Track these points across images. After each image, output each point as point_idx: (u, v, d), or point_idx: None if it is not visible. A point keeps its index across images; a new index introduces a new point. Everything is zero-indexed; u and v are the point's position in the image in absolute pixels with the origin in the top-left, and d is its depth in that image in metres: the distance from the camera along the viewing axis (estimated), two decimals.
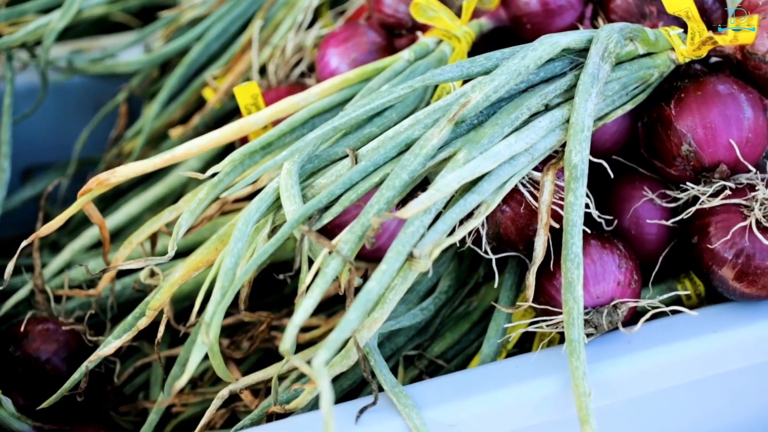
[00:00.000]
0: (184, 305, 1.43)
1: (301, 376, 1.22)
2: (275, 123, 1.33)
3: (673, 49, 1.25)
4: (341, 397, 1.25)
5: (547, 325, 1.18)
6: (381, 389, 1.13)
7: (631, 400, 1.21)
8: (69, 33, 1.85)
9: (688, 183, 1.23)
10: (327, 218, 1.11)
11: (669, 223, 1.25)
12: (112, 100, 1.72)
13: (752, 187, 1.21)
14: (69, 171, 1.71)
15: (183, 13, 1.68)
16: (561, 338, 1.22)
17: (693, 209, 1.21)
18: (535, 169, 1.17)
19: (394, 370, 1.29)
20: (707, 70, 1.29)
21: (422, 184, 1.15)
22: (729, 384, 1.27)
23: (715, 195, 1.21)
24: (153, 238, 1.31)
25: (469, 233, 1.18)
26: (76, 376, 1.20)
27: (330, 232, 1.16)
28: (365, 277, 1.32)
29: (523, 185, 1.17)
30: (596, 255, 1.18)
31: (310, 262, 1.11)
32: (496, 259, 1.20)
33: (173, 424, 1.39)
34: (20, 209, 1.75)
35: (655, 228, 1.27)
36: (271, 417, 1.16)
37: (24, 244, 1.23)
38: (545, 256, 1.17)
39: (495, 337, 1.25)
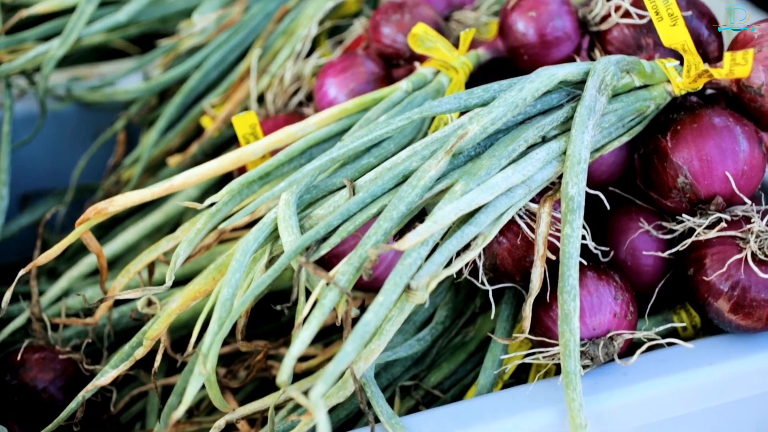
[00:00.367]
0: (180, 334, 1.44)
1: (298, 406, 1.22)
2: (273, 153, 1.33)
3: (669, 81, 1.26)
4: (338, 428, 1.25)
5: (544, 357, 1.18)
6: (377, 420, 1.13)
7: None
8: (67, 59, 1.86)
9: (684, 215, 1.24)
10: (324, 249, 1.11)
11: (665, 254, 1.25)
12: (110, 128, 1.73)
13: (748, 220, 1.21)
14: (67, 198, 1.71)
15: (182, 42, 1.69)
16: (557, 369, 1.22)
17: (689, 241, 1.22)
18: (532, 200, 1.18)
19: (390, 401, 1.29)
20: (703, 102, 1.30)
21: (419, 215, 1.15)
22: (725, 416, 1.27)
23: (711, 227, 1.21)
24: (150, 267, 1.31)
25: (466, 264, 1.19)
26: (72, 405, 1.20)
27: (327, 261, 1.16)
28: (362, 308, 1.32)
29: (520, 217, 1.17)
30: (593, 287, 1.19)
31: (308, 292, 1.12)
32: (493, 290, 1.21)
33: None
34: (17, 235, 1.75)
35: (651, 259, 1.27)
36: None
37: (22, 272, 1.23)
38: (542, 288, 1.17)
39: (491, 368, 1.25)
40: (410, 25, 1.43)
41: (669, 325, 1.21)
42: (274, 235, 1.16)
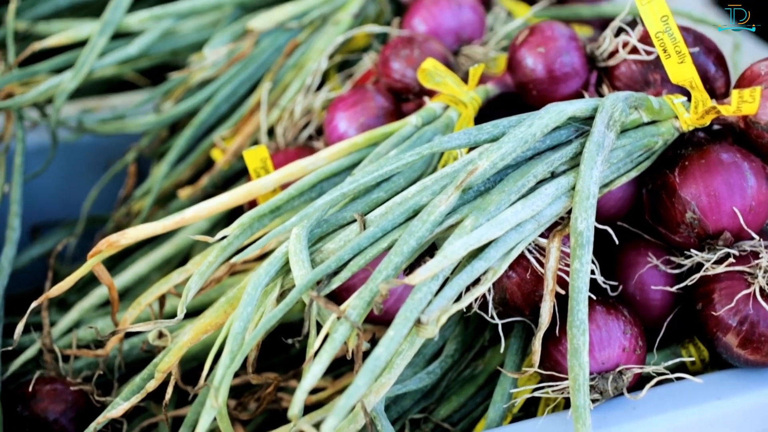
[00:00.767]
0: (191, 365, 1.44)
1: None
2: (284, 186, 1.34)
3: (677, 117, 1.27)
4: None
5: (553, 391, 1.19)
6: None
7: None
8: (78, 91, 1.86)
9: (692, 250, 1.25)
10: (335, 283, 1.12)
11: (673, 289, 1.26)
12: (121, 160, 1.74)
13: (756, 255, 1.22)
14: (77, 229, 1.72)
15: (192, 75, 1.70)
16: (566, 403, 1.23)
17: (697, 276, 1.23)
18: (541, 235, 1.19)
19: None
20: (711, 138, 1.31)
21: (429, 249, 1.16)
22: None
23: (719, 262, 1.22)
24: (161, 299, 1.32)
25: (476, 298, 1.19)
26: None
27: (338, 295, 1.17)
28: (372, 341, 1.33)
29: (530, 251, 1.18)
30: (602, 321, 1.19)
31: (318, 325, 1.13)
32: (502, 323, 1.21)
33: None
34: (28, 266, 1.76)
35: (659, 294, 1.28)
36: None
37: (34, 305, 1.25)
38: (551, 322, 1.18)
39: (501, 402, 1.26)
40: (419, 60, 1.44)
41: (678, 360, 1.22)
42: (285, 269, 1.17)
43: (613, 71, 1.39)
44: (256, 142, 1.61)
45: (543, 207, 1.16)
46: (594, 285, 1.20)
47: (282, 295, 1.17)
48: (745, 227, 1.22)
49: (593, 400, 1.18)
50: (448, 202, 1.12)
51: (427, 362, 1.33)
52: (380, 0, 1.69)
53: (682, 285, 1.25)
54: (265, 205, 1.25)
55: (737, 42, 1.71)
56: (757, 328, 1.19)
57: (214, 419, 1.12)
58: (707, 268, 1.22)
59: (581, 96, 1.40)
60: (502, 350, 1.26)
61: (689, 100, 1.28)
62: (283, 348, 1.51)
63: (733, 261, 1.21)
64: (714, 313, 1.21)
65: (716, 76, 1.35)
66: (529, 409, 1.30)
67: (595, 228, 1.16)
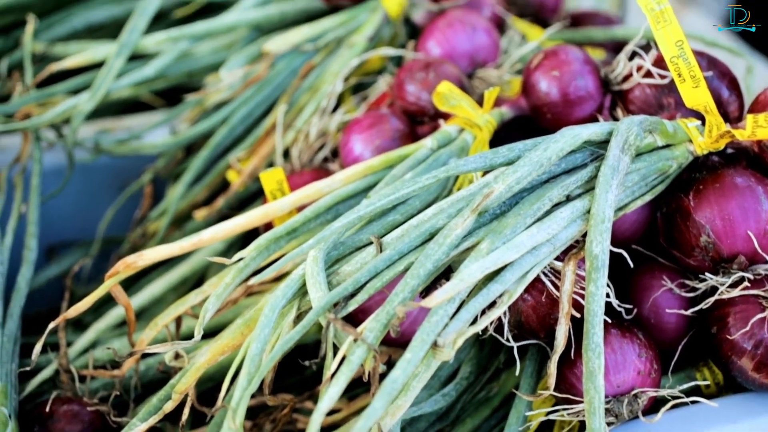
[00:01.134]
0: (206, 386, 1.45)
1: None
2: (300, 208, 1.35)
3: (691, 141, 1.28)
4: None
5: (568, 414, 1.19)
6: None
7: None
8: (94, 111, 1.88)
9: (706, 273, 1.25)
10: (352, 306, 1.13)
11: (688, 312, 1.27)
12: (137, 181, 1.75)
13: None
14: (93, 250, 1.73)
15: (208, 97, 1.72)
16: (582, 426, 1.23)
17: (712, 300, 1.23)
18: (557, 258, 1.19)
19: None
20: (725, 161, 1.31)
21: (444, 271, 1.17)
22: None
23: (733, 286, 1.23)
24: (177, 320, 1.33)
25: (491, 321, 1.20)
26: None
27: (353, 316, 1.18)
28: (388, 363, 1.33)
29: (545, 274, 1.19)
30: (617, 344, 1.20)
31: (334, 347, 1.13)
32: (517, 346, 1.22)
33: None
34: (44, 285, 1.77)
35: (674, 317, 1.28)
36: None
37: (52, 326, 1.25)
38: (566, 344, 1.18)
39: (516, 425, 1.26)
40: (434, 83, 1.45)
41: (692, 383, 1.22)
42: (301, 291, 1.18)
43: (628, 95, 1.39)
44: (271, 164, 1.63)
45: (558, 230, 1.16)
46: (608, 308, 1.21)
47: (299, 317, 1.18)
48: (760, 251, 1.22)
49: (608, 423, 1.19)
50: (464, 225, 1.13)
51: (443, 384, 1.34)
52: (394, 23, 1.70)
53: (696, 308, 1.25)
54: (282, 227, 1.26)
55: (750, 65, 1.71)
56: None
57: None
58: (722, 292, 1.22)
59: (595, 119, 1.41)
60: (517, 373, 1.26)
61: (703, 123, 1.29)
62: (297, 369, 1.52)
63: (748, 285, 1.22)
64: (729, 336, 1.21)
65: (730, 100, 1.35)
66: None
67: (610, 251, 1.16)
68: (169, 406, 1.20)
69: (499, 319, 1.21)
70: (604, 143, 1.23)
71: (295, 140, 1.61)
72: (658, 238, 1.31)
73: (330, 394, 1.02)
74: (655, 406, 1.21)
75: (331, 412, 1.41)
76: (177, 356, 1.29)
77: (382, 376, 1.05)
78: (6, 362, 1.38)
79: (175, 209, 1.65)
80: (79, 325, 1.68)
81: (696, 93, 1.25)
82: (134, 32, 1.72)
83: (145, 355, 1.45)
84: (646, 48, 1.45)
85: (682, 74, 1.25)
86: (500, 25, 1.74)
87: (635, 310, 1.28)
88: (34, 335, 1.59)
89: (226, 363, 1.40)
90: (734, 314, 1.22)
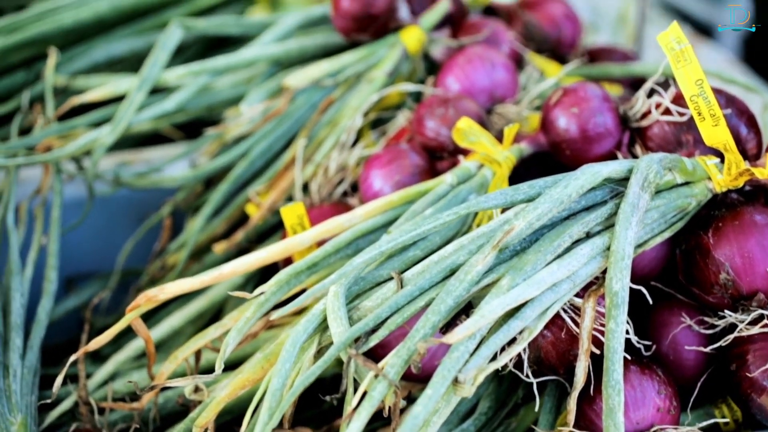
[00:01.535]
0: (225, 419, 1.45)
1: None
2: (320, 243, 1.36)
3: (710, 178, 1.28)
4: None
5: None
6: None
7: None
8: (114, 143, 1.90)
9: (726, 310, 1.25)
10: (373, 341, 1.13)
11: (707, 349, 1.27)
12: (156, 213, 1.76)
13: None
14: (112, 282, 1.74)
15: (228, 130, 1.73)
16: None
17: (731, 337, 1.23)
18: (576, 295, 1.20)
19: None
20: (743, 199, 1.32)
21: (464, 307, 1.18)
22: None
23: (753, 323, 1.23)
24: (197, 353, 1.34)
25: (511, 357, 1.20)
26: None
27: (373, 351, 1.18)
28: (407, 398, 1.34)
29: (565, 311, 1.19)
30: (636, 381, 1.20)
31: (354, 381, 1.14)
32: (536, 382, 1.22)
33: None
34: (61, 317, 1.78)
35: (693, 354, 1.28)
36: None
37: (73, 358, 1.26)
38: (585, 380, 1.19)
39: None
40: (454, 119, 1.46)
41: (711, 420, 1.22)
42: (322, 326, 1.18)
43: (646, 132, 1.40)
44: (290, 198, 1.64)
45: (578, 267, 1.17)
46: (627, 344, 1.21)
47: (319, 352, 1.19)
48: None
49: None
50: (485, 262, 1.14)
51: (461, 419, 1.34)
52: (413, 58, 1.72)
53: (715, 346, 1.25)
54: (303, 261, 1.27)
55: (766, 102, 1.72)
56: None
57: None
58: (741, 329, 1.23)
59: (614, 156, 1.42)
60: (536, 408, 1.26)
61: (722, 161, 1.29)
62: (315, 401, 1.52)
63: (767, 322, 1.22)
64: (748, 374, 1.21)
65: (748, 138, 1.36)
66: None
67: (629, 287, 1.17)
68: None
69: (519, 354, 1.21)
70: (623, 180, 1.24)
71: (314, 174, 1.62)
72: (676, 275, 1.31)
73: (351, 429, 1.02)
74: None
75: None
76: (196, 389, 1.30)
77: (402, 411, 1.05)
78: (26, 394, 1.38)
79: (194, 242, 1.66)
80: (96, 356, 1.68)
81: (716, 131, 1.26)
82: (155, 66, 1.74)
83: (164, 388, 1.46)
84: (664, 85, 1.46)
85: (702, 113, 1.26)
86: (518, 61, 1.75)
87: (654, 347, 1.28)
88: (52, 367, 1.60)
89: (245, 396, 1.40)
90: (754, 352, 1.22)
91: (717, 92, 1.35)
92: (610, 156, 1.42)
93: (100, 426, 1.39)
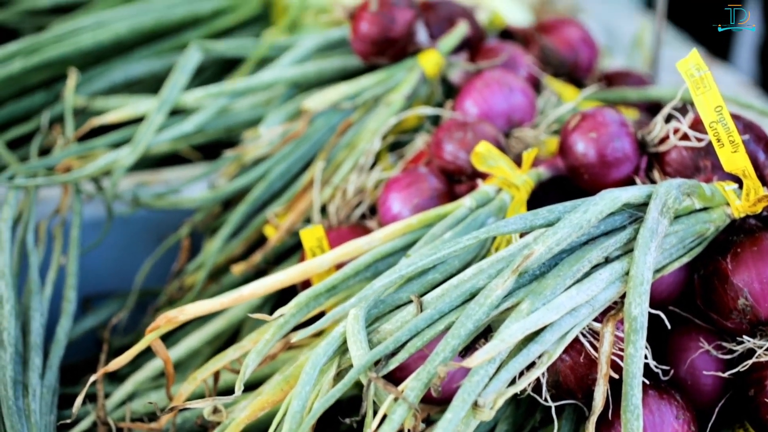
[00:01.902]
0: None
1: None
2: (338, 265, 1.37)
3: (728, 204, 1.29)
4: None
5: None
6: None
7: None
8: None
9: (744, 336, 1.26)
10: (393, 364, 1.14)
11: (725, 375, 1.27)
12: (174, 234, 1.77)
13: None
14: (129, 303, 1.75)
15: (246, 152, 1.74)
16: None
17: (749, 362, 1.24)
18: (595, 319, 1.20)
19: None
20: (762, 224, 1.32)
21: (483, 331, 1.18)
22: None
23: None
24: (215, 374, 1.34)
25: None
26: None
27: (391, 374, 1.19)
28: (426, 421, 1.34)
29: (583, 335, 1.20)
30: (654, 406, 1.20)
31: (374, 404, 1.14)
32: (555, 406, 1.22)
33: None
34: (79, 336, 1.79)
35: (711, 379, 1.28)
36: None
37: (93, 378, 1.27)
38: (604, 405, 1.19)
39: None
40: (472, 143, 1.47)
41: None
42: (342, 349, 1.19)
43: (664, 157, 1.41)
44: (308, 219, 1.64)
45: (597, 292, 1.17)
46: (645, 369, 1.21)
47: (339, 375, 1.19)
48: None
49: None
50: (504, 286, 1.14)
51: None
52: (431, 82, 1.73)
53: (734, 371, 1.26)
54: (322, 284, 1.28)
55: None
56: None
57: None
58: (759, 355, 1.23)
59: (632, 180, 1.42)
60: None
61: (740, 186, 1.30)
62: (332, 423, 1.52)
63: None
64: (767, 399, 1.22)
65: (766, 164, 1.36)
66: None
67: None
68: None
69: (537, 378, 1.22)
70: (642, 206, 1.24)
71: (332, 196, 1.63)
72: (694, 300, 1.32)
73: None
74: None
75: None
76: (215, 410, 1.31)
77: None
78: (45, 414, 1.39)
79: (212, 263, 1.66)
80: (114, 376, 1.69)
81: (735, 158, 1.27)
82: (174, 88, 1.75)
83: (182, 409, 1.46)
84: (681, 110, 1.46)
85: (721, 139, 1.27)
86: (536, 85, 1.76)
87: (672, 371, 1.28)
88: (69, 386, 1.61)
89: (264, 417, 1.41)
90: None
91: (735, 118, 1.35)
92: (628, 181, 1.43)
93: None
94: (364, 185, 1.59)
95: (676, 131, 1.40)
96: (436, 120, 1.70)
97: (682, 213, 1.27)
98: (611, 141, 1.41)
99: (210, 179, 1.83)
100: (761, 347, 1.23)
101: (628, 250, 1.22)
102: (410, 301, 1.22)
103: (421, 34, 1.74)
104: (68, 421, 1.32)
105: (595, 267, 1.20)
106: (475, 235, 1.20)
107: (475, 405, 1.07)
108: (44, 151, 1.83)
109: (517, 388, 1.10)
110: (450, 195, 1.48)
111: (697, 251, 1.28)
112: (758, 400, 1.23)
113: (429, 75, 1.72)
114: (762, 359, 1.23)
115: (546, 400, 1.21)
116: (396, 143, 1.72)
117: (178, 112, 1.80)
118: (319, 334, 1.38)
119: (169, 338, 1.68)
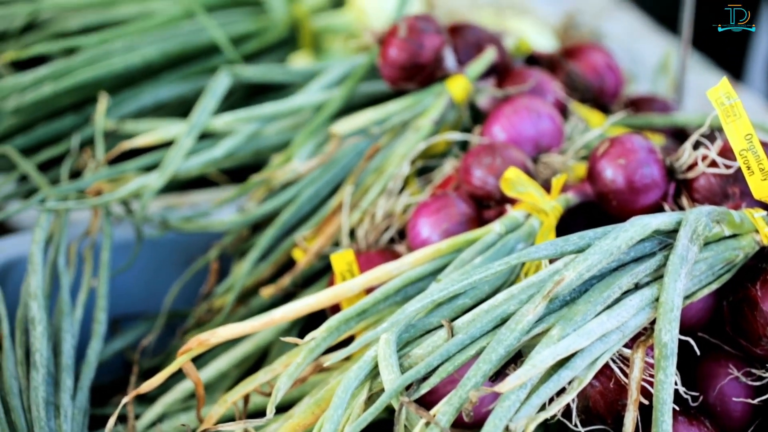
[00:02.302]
0: None
1: None
2: (368, 290, 1.38)
3: (757, 231, 1.29)
4: None
5: None
6: None
7: None
8: None
9: None
10: (425, 389, 1.15)
11: (755, 401, 1.27)
12: (203, 256, 1.78)
13: None
14: (158, 324, 1.76)
15: (275, 176, 1.75)
16: None
17: None
18: (625, 345, 1.21)
19: None
20: None
21: (514, 356, 1.19)
22: None
23: None
24: (245, 396, 1.36)
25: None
26: None
27: (422, 398, 1.20)
28: None
29: (614, 361, 1.20)
30: None
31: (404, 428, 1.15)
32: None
33: None
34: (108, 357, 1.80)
35: (740, 405, 1.29)
36: None
37: (125, 401, 1.28)
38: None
39: None
40: (501, 168, 1.48)
41: None
42: (373, 373, 1.20)
43: (692, 183, 1.42)
44: (336, 243, 1.65)
45: (628, 318, 1.18)
46: (675, 395, 1.22)
47: (370, 399, 1.20)
48: None
49: None
50: (535, 312, 1.15)
51: None
52: (459, 107, 1.74)
53: (764, 397, 1.26)
54: (352, 308, 1.29)
55: None
56: None
57: None
58: None
59: (660, 207, 1.43)
60: None
61: None
62: None
63: None
64: None
65: None
66: None
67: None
68: None
69: (567, 404, 1.22)
70: (672, 232, 1.25)
71: (361, 220, 1.64)
72: (723, 326, 1.32)
73: None
74: None
75: None
76: None
77: None
78: None
79: (241, 285, 1.67)
80: (143, 397, 1.70)
81: (764, 185, 1.27)
82: (204, 113, 1.77)
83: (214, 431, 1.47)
84: (709, 136, 1.47)
85: (751, 167, 1.27)
86: (563, 110, 1.77)
87: (701, 398, 1.29)
88: (98, 407, 1.62)
89: None
90: None
91: (765, 146, 1.36)
92: (656, 207, 1.43)
93: None
94: (393, 209, 1.60)
95: (704, 158, 1.41)
96: (464, 145, 1.71)
97: (712, 240, 1.27)
98: (640, 167, 1.42)
99: (238, 202, 1.84)
100: None
101: (657, 276, 1.23)
102: (441, 326, 1.23)
103: (449, 60, 1.76)
104: None
105: (625, 293, 1.21)
106: (507, 260, 1.21)
107: (507, 430, 1.08)
108: (74, 174, 1.84)
109: (547, 414, 1.11)
110: (478, 220, 1.49)
111: (726, 278, 1.28)
112: None
113: (457, 100, 1.73)
114: None
115: (576, 425, 1.22)
116: (424, 168, 1.73)
117: (206, 136, 1.82)
118: (347, 358, 1.39)
119: (197, 360, 1.69)
